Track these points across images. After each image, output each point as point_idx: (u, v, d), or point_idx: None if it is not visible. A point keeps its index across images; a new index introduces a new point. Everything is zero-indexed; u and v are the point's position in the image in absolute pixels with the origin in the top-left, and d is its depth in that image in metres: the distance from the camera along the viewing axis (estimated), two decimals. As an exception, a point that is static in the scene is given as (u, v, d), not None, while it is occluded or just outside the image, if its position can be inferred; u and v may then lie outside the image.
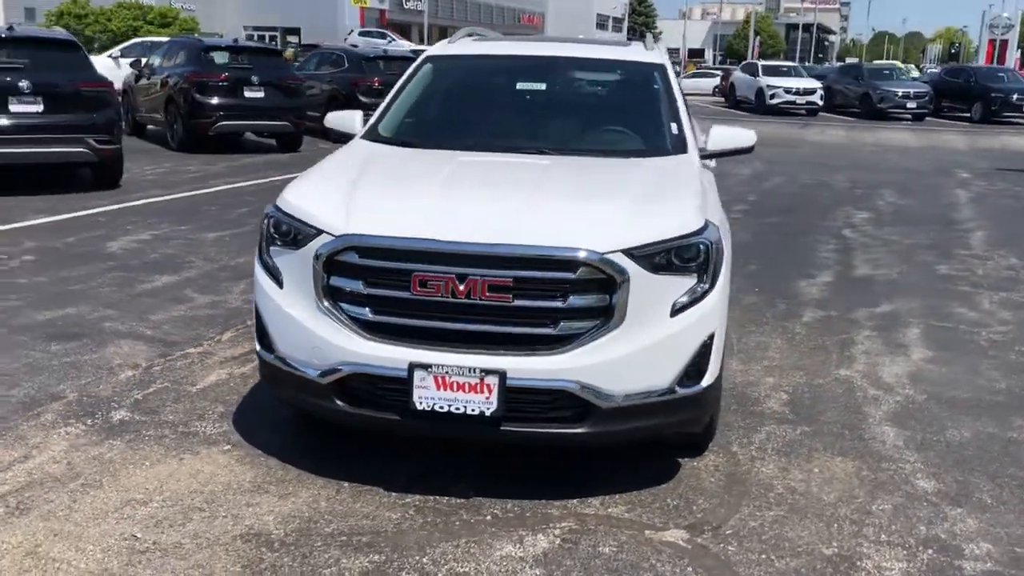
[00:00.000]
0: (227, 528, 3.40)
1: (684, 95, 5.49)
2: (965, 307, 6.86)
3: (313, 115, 14.68)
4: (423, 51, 5.93)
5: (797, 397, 4.89)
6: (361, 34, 41.85)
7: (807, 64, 56.68)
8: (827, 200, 12.25)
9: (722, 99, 37.01)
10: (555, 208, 3.61)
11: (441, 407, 3.42)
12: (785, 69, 33.25)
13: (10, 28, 10.27)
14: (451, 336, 3.43)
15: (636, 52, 5.12)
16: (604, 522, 3.53)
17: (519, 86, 4.98)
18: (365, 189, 3.78)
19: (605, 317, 3.40)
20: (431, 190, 3.74)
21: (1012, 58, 44.14)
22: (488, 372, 3.37)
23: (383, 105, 4.95)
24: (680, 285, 3.51)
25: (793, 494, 3.81)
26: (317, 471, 3.85)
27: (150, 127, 16.36)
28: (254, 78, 14.44)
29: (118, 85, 14.35)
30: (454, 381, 3.39)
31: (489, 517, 3.54)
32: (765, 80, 31.21)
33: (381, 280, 3.46)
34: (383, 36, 41.45)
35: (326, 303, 3.53)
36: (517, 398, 3.42)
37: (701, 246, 3.55)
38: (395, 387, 3.46)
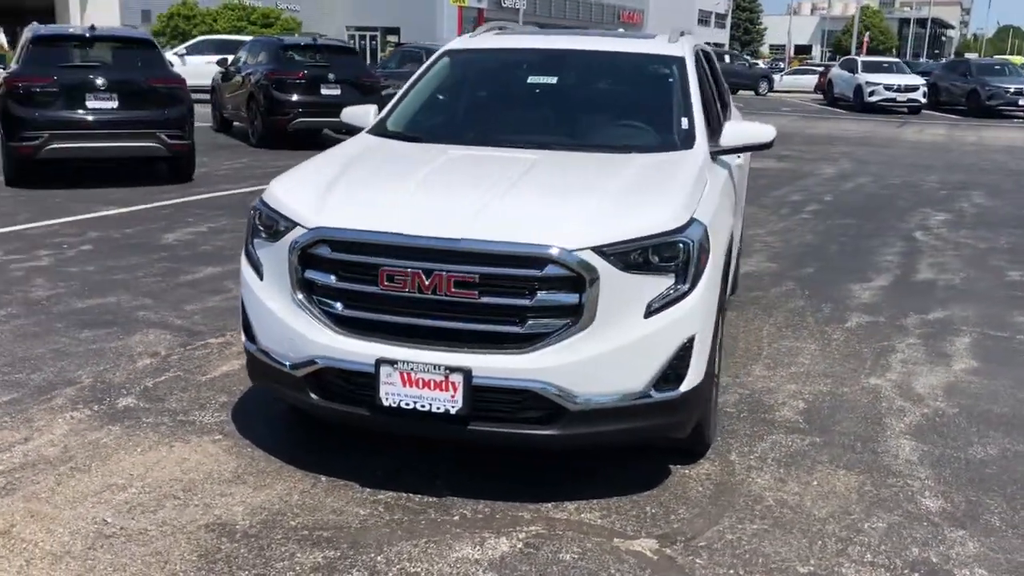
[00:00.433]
0: (195, 517, 3.44)
1: (714, 88, 5.33)
2: (1028, 316, 6.44)
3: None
4: None
5: (815, 406, 4.66)
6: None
7: (918, 60, 54.47)
8: (908, 201, 11.71)
9: (821, 96, 35.88)
10: (529, 204, 3.52)
11: (407, 404, 3.37)
12: (886, 65, 31.98)
13: (91, 28, 10.69)
14: (418, 332, 3.38)
15: (657, 45, 4.96)
16: (573, 528, 3.42)
17: (529, 80, 4.90)
18: (345, 183, 3.77)
19: (574, 316, 3.29)
20: (408, 184, 3.70)
21: None
22: (453, 370, 3.31)
23: (395, 98, 4.94)
24: (656, 285, 3.38)
25: (782, 507, 3.62)
26: (299, 464, 3.86)
27: (236, 124, 16.83)
28: (331, 76, 14.70)
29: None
30: (419, 378, 3.34)
31: (457, 517, 3.48)
32: (864, 77, 30.12)
33: (351, 274, 3.44)
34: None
35: (300, 296, 3.53)
36: (484, 397, 3.35)
37: (681, 245, 3.40)
38: (364, 382, 3.43)
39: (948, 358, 5.47)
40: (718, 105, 5.32)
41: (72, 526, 3.34)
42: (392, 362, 3.36)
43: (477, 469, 3.82)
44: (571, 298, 3.29)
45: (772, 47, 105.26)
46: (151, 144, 10.32)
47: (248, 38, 20.34)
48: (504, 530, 3.39)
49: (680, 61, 4.77)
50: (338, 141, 5.06)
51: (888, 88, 29.50)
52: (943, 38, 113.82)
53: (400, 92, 4.99)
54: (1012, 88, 28.41)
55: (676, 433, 3.64)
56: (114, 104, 10.11)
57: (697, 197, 3.69)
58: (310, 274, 3.51)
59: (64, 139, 9.89)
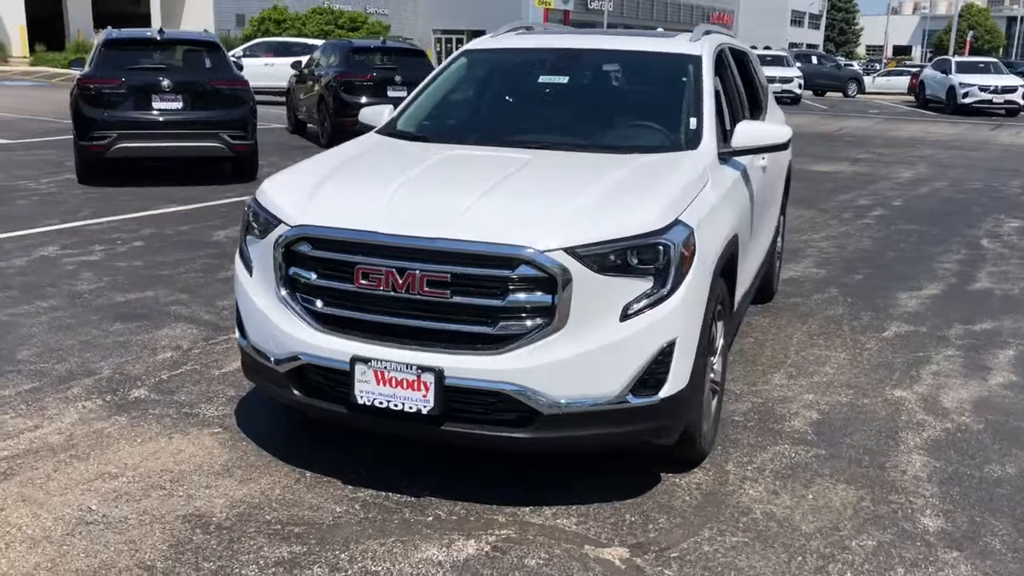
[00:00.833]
0: (176, 508, 3.50)
1: (740, 88, 5.19)
2: (1086, 329, 6.08)
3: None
4: None
5: (829, 417, 4.49)
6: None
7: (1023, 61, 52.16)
8: (983, 207, 11.21)
9: (913, 99, 34.67)
10: (508, 204, 3.47)
11: (381, 402, 3.37)
12: (982, 65, 30.67)
13: (160, 31, 11.05)
14: (393, 331, 3.38)
15: (676, 44, 4.84)
16: (546, 533, 3.37)
17: (540, 80, 4.85)
18: (332, 182, 3.79)
19: (547, 318, 3.24)
20: (393, 184, 3.69)
21: None
22: (424, 369, 3.29)
23: (408, 98, 4.95)
24: (633, 288, 3.29)
25: (769, 521, 3.49)
26: (289, 459, 3.90)
27: (309, 125, 17.17)
28: (397, 78, 14.86)
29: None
30: (392, 377, 3.34)
31: (431, 518, 3.46)
32: (958, 78, 28.97)
33: (330, 271, 3.46)
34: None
35: (284, 292, 3.57)
36: (457, 398, 3.32)
37: (660, 247, 3.31)
38: (342, 379, 3.45)
39: (986, 371, 5.21)
40: (743, 106, 5.17)
41: (58, 512, 3.44)
42: (367, 360, 3.36)
43: (464, 469, 3.80)
44: (544, 299, 3.24)
45: (869, 48, 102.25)
46: (214, 144, 10.60)
47: (300, 40, 20.76)
48: (475, 533, 3.36)
49: (696, 60, 4.65)
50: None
51: (983, 89, 28.32)
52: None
53: (414, 92, 5.01)
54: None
55: (660, 440, 3.55)
56: (179, 105, 10.43)
57: (688, 199, 3.59)
58: (293, 271, 3.54)
59: (131, 139, 10.24)
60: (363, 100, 14.68)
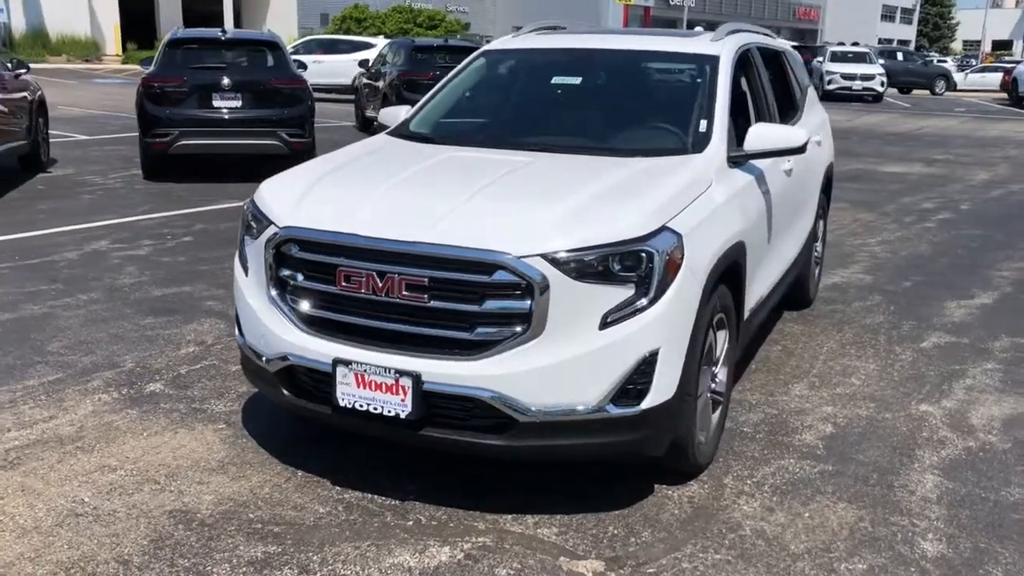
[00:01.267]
0: (164, 503, 3.56)
1: (766, 89, 5.04)
2: None
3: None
4: None
5: (844, 431, 4.32)
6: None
7: None
8: (1059, 212, 10.69)
9: (1006, 96, 33.29)
10: (490, 208, 3.42)
11: (361, 405, 3.37)
12: (1080, 62, 29.27)
13: (223, 31, 11.31)
14: (374, 334, 3.37)
15: (695, 44, 4.71)
16: (523, 542, 3.32)
17: (553, 81, 4.78)
18: (325, 183, 3.81)
19: (524, 325, 3.19)
20: (383, 187, 3.68)
21: None
22: (403, 373, 3.28)
23: (423, 99, 4.95)
24: (614, 295, 3.22)
25: (757, 538, 3.38)
26: (284, 457, 3.94)
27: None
28: (459, 76, 14.91)
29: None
30: (371, 380, 3.33)
31: (411, 523, 3.45)
32: (1054, 74, 27.71)
33: (314, 273, 3.48)
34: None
35: (274, 293, 3.59)
36: (435, 403, 3.30)
37: (643, 254, 3.23)
38: (325, 381, 3.46)
39: (1024, 387, 4.95)
40: (770, 107, 5.01)
41: (52, 503, 3.54)
42: (347, 363, 3.36)
43: (454, 473, 3.78)
44: (521, 306, 3.19)
45: (966, 43, 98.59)
46: (272, 142, 10.80)
47: (347, 37, 21.41)
48: (452, 539, 3.33)
49: (713, 60, 4.52)
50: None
51: (1080, 86, 27.02)
52: None
53: (430, 93, 5.00)
54: None
55: (645, 451, 3.46)
56: (238, 103, 10.65)
57: (679, 205, 3.49)
58: (282, 272, 3.57)
59: (192, 136, 10.50)
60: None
